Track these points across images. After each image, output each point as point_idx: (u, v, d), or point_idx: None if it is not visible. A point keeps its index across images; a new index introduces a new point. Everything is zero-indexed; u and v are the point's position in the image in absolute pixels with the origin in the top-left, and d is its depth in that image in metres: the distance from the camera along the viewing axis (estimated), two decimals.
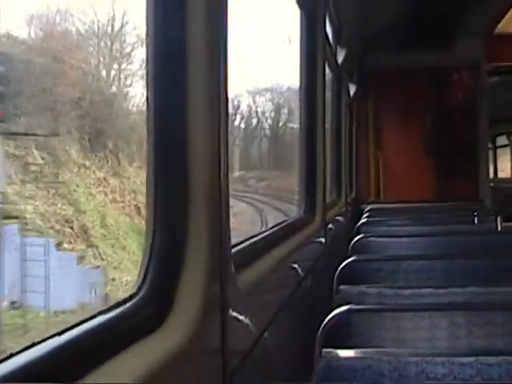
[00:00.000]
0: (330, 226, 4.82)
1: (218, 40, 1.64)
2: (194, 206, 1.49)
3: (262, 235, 2.67)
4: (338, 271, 3.75)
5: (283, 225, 3.31)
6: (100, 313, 1.26)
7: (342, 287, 3.46)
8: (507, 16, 8.96)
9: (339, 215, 6.12)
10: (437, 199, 9.76)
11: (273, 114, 19.07)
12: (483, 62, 9.75)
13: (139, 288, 1.41)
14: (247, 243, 2.31)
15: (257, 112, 18.69)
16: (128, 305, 1.34)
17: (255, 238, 2.49)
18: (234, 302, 1.77)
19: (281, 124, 19.27)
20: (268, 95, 18.92)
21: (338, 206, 6.20)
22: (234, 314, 1.77)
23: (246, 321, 1.94)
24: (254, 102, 18.45)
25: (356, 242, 5.09)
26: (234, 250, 2.04)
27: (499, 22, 9.25)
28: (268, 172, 18.94)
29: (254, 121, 18.67)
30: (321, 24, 4.29)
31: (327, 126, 6.44)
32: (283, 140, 19.01)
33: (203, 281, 1.50)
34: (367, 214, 7.65)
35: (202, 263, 1.50)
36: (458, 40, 9.24)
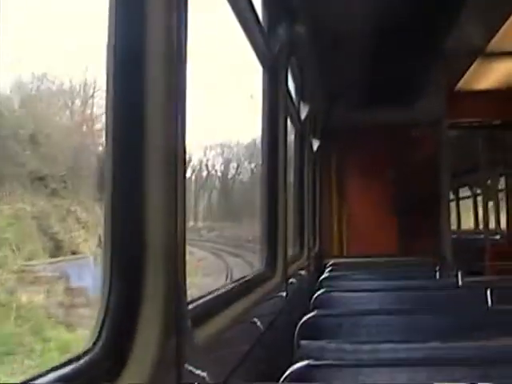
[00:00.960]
0: (291, 280, 4.82)
1: (177, 90, 1.65)
2: (149, 262, 1.49)
3: (221, 291, 2.66)
4: (298, 326, 3.75)
5: (244, 280, 3.31)
6: (53, 369, 1.25)
7: (302, 342, 3.44)
8: (467, 74, 9.16)
9: (301, 269, 6.13)
10: (400, 254, 9.83)
11: (222, 167, 19.70)
12: (444, 118, 9.93)
13: (94, 344, 1.40)
14: (205, 299, 2.31)
15: (207, 166, 19.30)
16: (82, 361, 1.33)
17: (214, 294, 2.48)
18: (191, 357, 1.76)
19: (230, 177, 19.86)
20: (218, 150, 19.55)
21: (301, 260, 6.21)
22: (191, 369, 1.76)
23: (203, 376, 1.93)
24: (205, 156, 19.04)
25: (318, 296, 5.09)
26: (191, 306, 2.03)
27: (460, 79, 9.45)
28: (218, 223, 19.40)
29: (204, 174, 19.28)
30: (282, 81, 4.35)
31: (290, 180, 6.49)
32: (232, 192, 19.66)
33: (159, 337, 1.49)
34: (330, 269, 7.66)
35: (157, 319, 1.50)
36: (420, 97, 9.42)
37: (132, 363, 1.40)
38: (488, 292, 4.93)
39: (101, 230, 1.58)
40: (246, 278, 3.40)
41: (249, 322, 2.94)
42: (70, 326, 8.82)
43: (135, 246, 1.48)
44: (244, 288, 3.03)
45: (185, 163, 1.72)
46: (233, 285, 2.99)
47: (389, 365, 3.28)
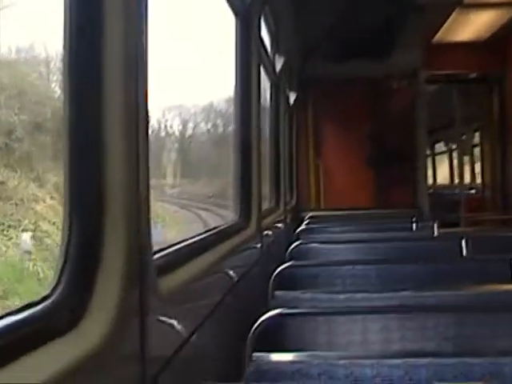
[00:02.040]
0: (267, 232, 4.81)
1: (137, 45, 1.62)
2: (111, 209, 1.47)
3: (191, 240, 2.65)
4: (273, 277, 3.75)
5: (216, 230, 3.30)
6: (8, 314, 1.23)
7: (277, 293, 3.46)
8: (445, 26, 9.11)
9: (278, 222, 6.13)
10: (377, 207, 9.89)
11: (180, 127, 20.19)
12: (420, 70, 9.91)
13: (53, 290, 1.37)
14: (174, 248, 2.29)
15: (166, 126, 19.73)
16: (40, 307, 1.31)
17: (183, 243, 2.47)
18: (156, 307, 1.74)
19: (187, 137, 20.43)
20: (177, 111, 19.96)
21: (277, 213, 6.21)
22: (156, 319, 1.75)
23: (171, 326, 1.92)
24: (164, 117, 19.43)
25: (294, 248, 5.10)
26: (158, 255, 2.02)
27: (437, 31, 9.41)
28: (178, 180, 20.03)
29: (163, 134, 19.80)
30: (255, 30, 4.30)
31: (266, 133, 6.46)
32: (189, 152, 20.25)
33: (120, 285, 1.47)
34: (307, 222, 7.69)
35: (119, 267, 1.48)
36: (396, 49, 9.38)
37: (91, 312, 1.38)
38: (463, 242, 4.97)
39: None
40: (219, 229, 3.38)
41: (221, 273, 2.94)
42: None
43: (96, 193, 1.46)
44: (216, 238, 3.02)
45: (147, 120, 1.69)
46: (204, 235, 2.98)
47: (362, 312, 3.30)
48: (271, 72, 6.28)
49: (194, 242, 2.67)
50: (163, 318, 1.85)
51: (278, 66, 6.55)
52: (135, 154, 1.58)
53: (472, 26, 9.34)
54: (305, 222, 7.56)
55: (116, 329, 1.43)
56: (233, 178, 4.16)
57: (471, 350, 2.82)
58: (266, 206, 6.32)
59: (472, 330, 3.29)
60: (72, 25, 1.45)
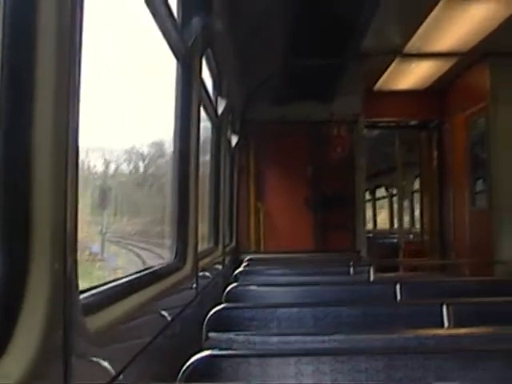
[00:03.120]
0: (204, 273, 4.81)
1: (69, 81, 1.62)
2: (35, 246, 1.45)
3: (124, 280, 2.64)
4: (207, 318, 3.75)
5: (150, 270, 3.28)
6: None
7: (210, 334, 3.44)
8: (386, 74, 9.31)
9: (216, 264, 6.13)
10: (316, 250, 9.96)
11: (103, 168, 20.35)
12: (361, 116, 10.08)
13: None
14: (104, 287, 2.28)
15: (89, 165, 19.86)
16: None
17: (114, 283, 2.46)
18: (82, 347, 1.72)
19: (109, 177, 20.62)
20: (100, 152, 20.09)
21: (215, 254, 6.20)
22: (82, 359, 1.73)
23: (98, 366, 1.91)
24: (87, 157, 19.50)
25: (230, 290, 5.09)
26: (86, 294, 2.00)
27: (378, 79, 9.60)
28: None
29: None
30: (197, 73, 4.33)
31: (207, 175, 6.48)
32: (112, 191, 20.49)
33: (43, 325, 1.45)
34: (246, 264, 7.69)
35: (42, 307, 1.45)
36: (338, 95, 9.54)
37: (11, 353, 1.36)
38: (397, 287, 5.03)
39: None
40: (153, 269, 3.37)
41: (154, 313, 2.92)
42: None
43: (20, 230, 1.44)
44: (150, 278, 3.00)
45: (77, 150, 1.67)
46: (138, 274, 2.96)
47: (294, 355, 3.30)
48: (213, 114, 6.32)
49: (127, 282, 2.66)
50: (90, 358, 1.83)
51: (220, 108, 6.59)
52: (63, 188, 1.56)
53: (412, 74, 9.56)
54: (243, 264, 7.55)
55: (38, 370, 1.40)
56: (170, 219, 4.16)
57: None
58: (205, 246, 6.32)
59: (403, 373, 3.32)
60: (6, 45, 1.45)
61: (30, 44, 1.47)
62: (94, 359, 1.88)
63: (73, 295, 1.64)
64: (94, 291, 2.11)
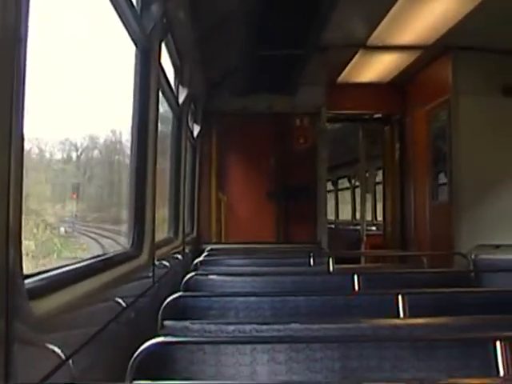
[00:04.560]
0: (161, 262, 4.78)
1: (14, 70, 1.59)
2: None
3: (75, 266, 2.61)
4: (163, 306, 3.73)
5: (104, 257, 3.26)
6: None
7: (166, 322, 3.42)
8: (349, 66, 9.33)
9: (176, 253, 6.10)
10: (278, 241, 9.97)
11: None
12: (324, 109, 10.10)
13: None
14: (53, 272, 2.25)
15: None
16: None
17: (65, 268, 2.43)
18: (26, 333, 1.70)
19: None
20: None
21: (174, 243, 6.18)
22: (26, 344, 1.71)
23: (44, 351, 1.88)
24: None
25: (189, 279, 5.08)
26: (33, 279, 1.97)
27: (341, 71, 9.62)
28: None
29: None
30: (156, 61, 4.30)
31: (167, 165, 6.45)
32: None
33: None
34: (206, 254, 7.68)
35: None
36: (301, 87, 9.54)
37: None
38: (355, 278, 5.05)
39: None
40: (107, 256, 3.34)
41: (108, 300, 2.90)
42: None
43: None
44: (103, 265, 2.97)
45: (22, 138, 1.65)
46: (90, 261, 2.94)
47: (250, 343, 3.30)
48: (174, 103, 6.29)
49: (79, 267, 2.63)
50: (36, 343, 1.81)
51: (182, 97, 6.56)
52: (6, 172, 1.54)
53: (376, 67, 9.59)
54: (204, 254, 7.55)
55: None
56: (127, 208, 4.13)
57: (356, 382, 2.86)
58: (164, 236, 6.28)
59: (359, 362, 3.34)
60: None
61: None
62: (41, 344, 1.85)
63: (16, 279, 1.62)
64: (41, 276, 2.09)
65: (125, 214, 4.29)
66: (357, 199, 16.60)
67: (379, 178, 13.49)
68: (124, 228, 4.24)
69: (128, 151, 4.26)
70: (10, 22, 1.55)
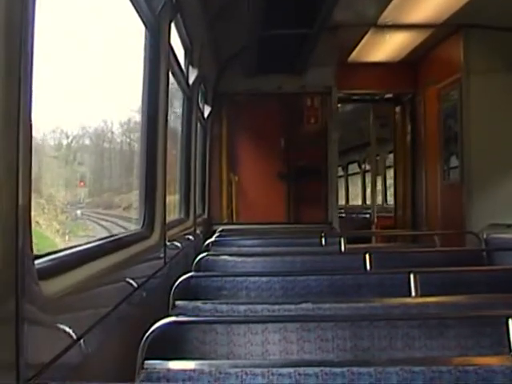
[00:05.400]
0: (173, 243, 4.79)
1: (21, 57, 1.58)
2: None
3: (86, 246, 2.61)
4: (174, 286, 3.74)
5: (115, 237, 3.26)
6: None
7: (178, 302, 3.44)
8: (360, 45, 9.27)
9: (187, 234, 6.11)
10: (289, 222, 9.98)
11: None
12: (334, 89, 10.05)
13: None
14: (64, 253, 2.25)
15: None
16: None
17: (76, 248, 2.43)
18: (37, 312, 1.70)
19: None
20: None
21: (185, 224, 6.18)
22: (37, 324, 1.71)
23: (55, 331, 1.89)
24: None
25: (200, 259, 5.08)
26: (44, 259, 1.98)
27: (352, 51, 9.56)
28: None
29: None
30: (166, 41, 4.29)
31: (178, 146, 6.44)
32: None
33: None
34: (218, 234, 7.69)
35: None
36: (311, 67, 9.50)
37: None
38: (367, 257, 5.05)
39: None
40: (118, 236, 3.35)
41: (119, 280, 2.91)
42: None
43: None
44: (115, 245, 2.98)
45: (30, 123, 1.64)
46: (101, 241, 2.94)
47: (261, 322, 3.32)
48: (184, 84, 6.28)
49: (90, 248, 2.64)
50: (47, 323, 1.81)
51: (192, 78, 6.54)
52: (15, 155, 1.54)
53: (386, 46, 9.52)
54: (215, 235, 7.55)
55: None
56: (138, 188, 4.13)
57: (366, 361, 2.87)
58: (176, 217, 6.30)
59: (370, 342, 3.35)
60: None
61: None
62: (52, 324, 1.86)
63: (26, 260, 1.62)
64: (52, 256, 2.09)
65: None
66: (367, 185, 16.50)
67: (389, 161, 13.40)
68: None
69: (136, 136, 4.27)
70: (17, 5, 1.55)
